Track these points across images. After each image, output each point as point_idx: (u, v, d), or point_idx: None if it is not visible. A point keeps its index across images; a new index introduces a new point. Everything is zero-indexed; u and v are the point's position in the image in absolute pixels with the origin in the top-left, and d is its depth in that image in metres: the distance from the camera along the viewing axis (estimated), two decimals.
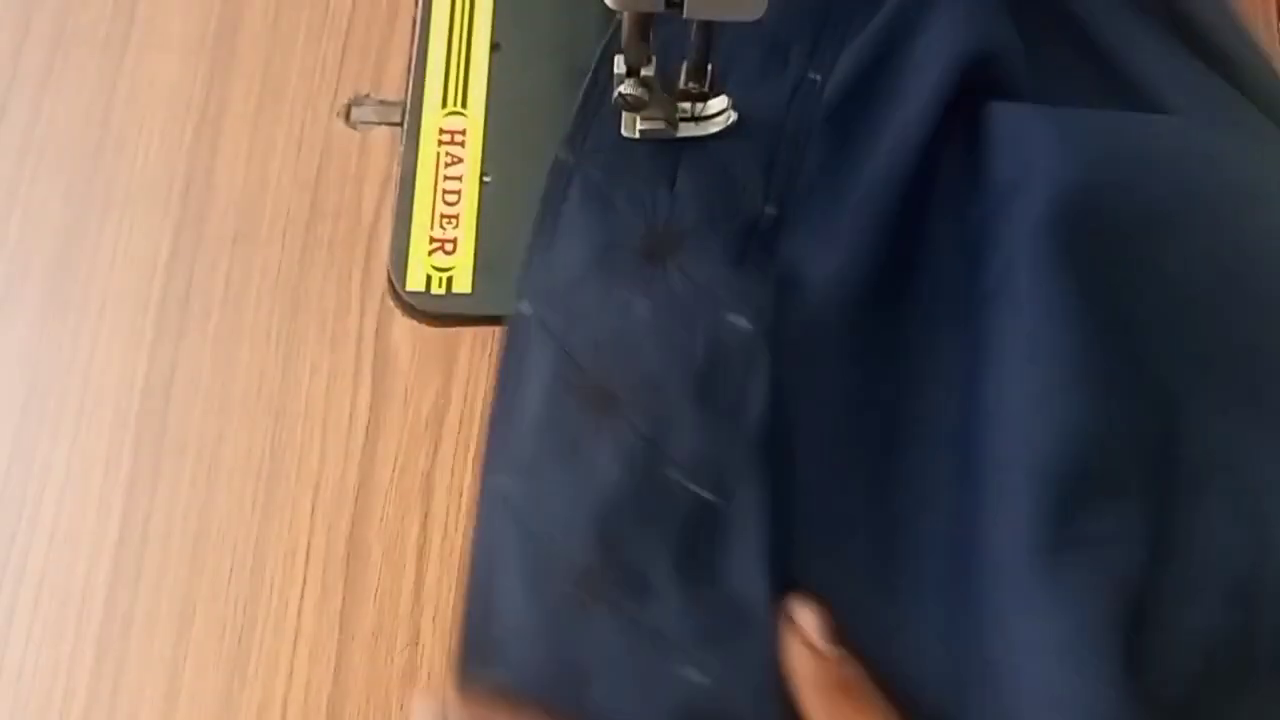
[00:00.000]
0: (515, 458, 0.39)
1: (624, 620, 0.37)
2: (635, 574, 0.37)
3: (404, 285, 0.43)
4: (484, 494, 0.39)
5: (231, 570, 0.40)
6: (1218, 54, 0.44)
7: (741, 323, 0.40)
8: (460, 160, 0.45)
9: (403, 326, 0.43)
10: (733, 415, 0.39)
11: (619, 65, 0.41)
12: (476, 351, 0.42)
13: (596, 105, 0.44)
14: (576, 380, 0.39)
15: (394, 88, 0.47)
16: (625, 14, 0.38)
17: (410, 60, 0.47)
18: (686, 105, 0.43)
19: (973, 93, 0.42)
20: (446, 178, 0.45)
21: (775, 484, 0.38)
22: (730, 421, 0.38)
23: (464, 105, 0.46)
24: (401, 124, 0.46)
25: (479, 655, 0.37)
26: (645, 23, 0.38)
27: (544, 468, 0.39)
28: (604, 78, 0.44)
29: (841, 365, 0.40)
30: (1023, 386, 0.37)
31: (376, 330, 0.43)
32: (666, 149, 0.43)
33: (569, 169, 0.43)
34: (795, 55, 0.45)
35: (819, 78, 0.45)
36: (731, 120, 0.43)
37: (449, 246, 0.44)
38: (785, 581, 0.37)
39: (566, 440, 0.39)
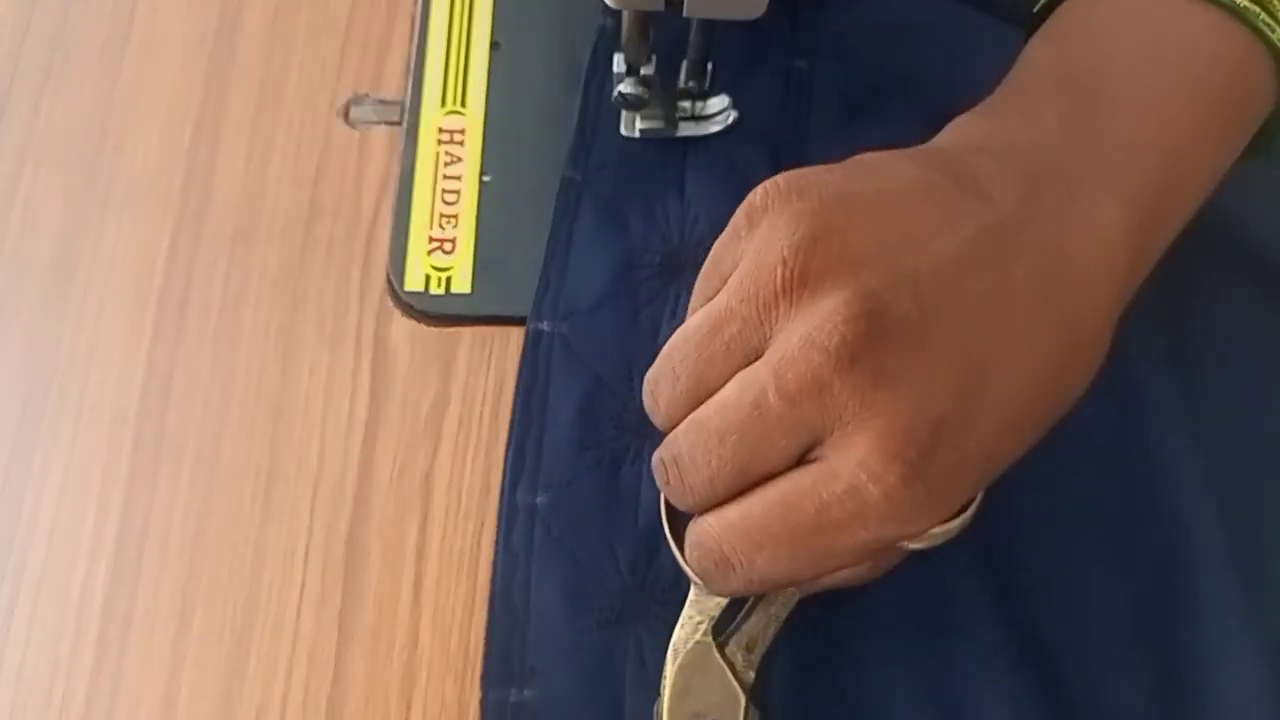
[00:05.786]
0: (549, 477, 0.39)
1: (662, 636, 0.36)
2: (673, 590, 0.37)
3: (403, 285, 0.43)
4: (512, 510, 0.39)
5: (230, 570, 0.40)
6: None
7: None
8: (460, 160, 0.45)
9: (402, 326, 0.43)
10: None
11: (619, 64, 0.41)
12: (476, 351, 0.42)
13: (595, 116, 0.44)
14: (611, 404, 0.40)
15: (393, 87, 0.46)
16: (625, 13, 0.38)
17: (410, 59, 0.47)
18: (686, 104, 0.43)
19: None
20: (446, 177, 0.45)
21: None
22: None
23: (463, 105, 0.46)
24: (401, 123, 0.46)
25: (507, 674, 0.37)
26: (645, 22, 0.38)
27: (581, 487, 0.39)
28: (597, 89, 0.44)
29: None
30: None
31: (375, 330, 0.43)
32: (671, 153, 0.43)
33: (577, 187, 0.43)
34: (776, 38, 0.45)
35: (805, 65, 0.45)
36: (731, 119, 0.43)
37: (448, 246, 0.43)
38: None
39: (605, 462, 0.39)
